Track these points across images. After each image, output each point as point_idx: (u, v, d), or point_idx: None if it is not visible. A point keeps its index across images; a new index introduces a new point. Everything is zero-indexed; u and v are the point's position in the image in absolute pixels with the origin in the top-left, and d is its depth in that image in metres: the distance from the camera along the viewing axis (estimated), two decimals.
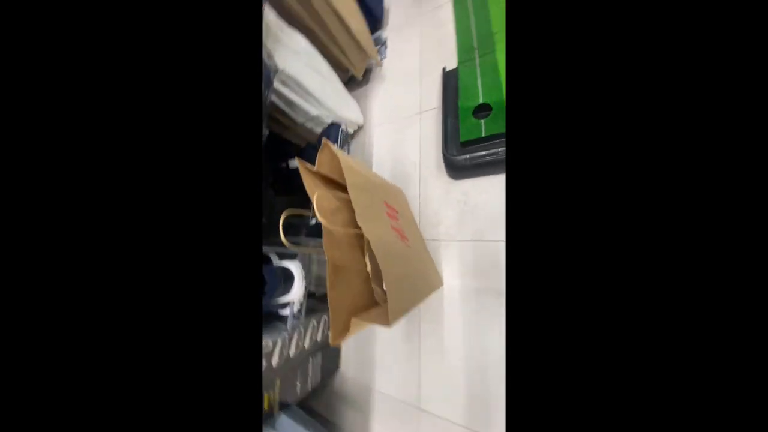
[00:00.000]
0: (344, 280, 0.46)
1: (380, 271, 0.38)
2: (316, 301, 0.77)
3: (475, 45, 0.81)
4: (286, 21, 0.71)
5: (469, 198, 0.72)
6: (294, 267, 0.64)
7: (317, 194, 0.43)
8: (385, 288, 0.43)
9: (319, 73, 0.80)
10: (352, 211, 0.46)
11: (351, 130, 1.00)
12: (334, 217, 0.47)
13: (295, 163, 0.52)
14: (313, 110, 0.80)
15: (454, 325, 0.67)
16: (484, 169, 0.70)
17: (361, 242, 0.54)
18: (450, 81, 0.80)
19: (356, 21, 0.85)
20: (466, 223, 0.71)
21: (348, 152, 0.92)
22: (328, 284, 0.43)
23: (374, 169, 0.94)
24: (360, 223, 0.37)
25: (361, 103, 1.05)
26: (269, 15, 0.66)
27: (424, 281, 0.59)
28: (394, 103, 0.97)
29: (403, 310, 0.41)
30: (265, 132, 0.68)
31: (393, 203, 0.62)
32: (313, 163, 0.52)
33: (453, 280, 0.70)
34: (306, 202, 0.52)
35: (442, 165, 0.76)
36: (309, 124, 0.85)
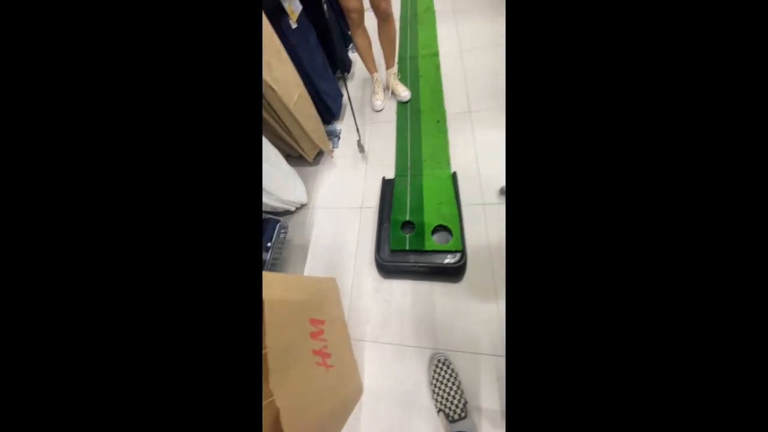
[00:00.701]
0: None
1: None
2: None
3: (409, 165, 1.03)
4: None
5: (393, 298, 0.81)
6: None
7: None
8: None
9: (266, 161, 0.83)
10: None
11: (293, 209, 1.01)
12: None
13: None
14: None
15: None
16: (408, 275, 0.82)
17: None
18: (387, 189, 0.96)
19: (312, 122, 0.95)
20: (390, 325, 0.78)
21: (282, 248, 0.91)
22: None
23: (311, 251, 0.95)
24: (272, 388, 0.37)
25: (309, 181, 1.10)
26: None
27: (343, 406, 0.59)
28: (339, 190, 1.06)
29: None
30: None
31: (319, 313, 0.64)
32: None
33: (373, 384, 0.72)
34: None
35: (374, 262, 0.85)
36: None
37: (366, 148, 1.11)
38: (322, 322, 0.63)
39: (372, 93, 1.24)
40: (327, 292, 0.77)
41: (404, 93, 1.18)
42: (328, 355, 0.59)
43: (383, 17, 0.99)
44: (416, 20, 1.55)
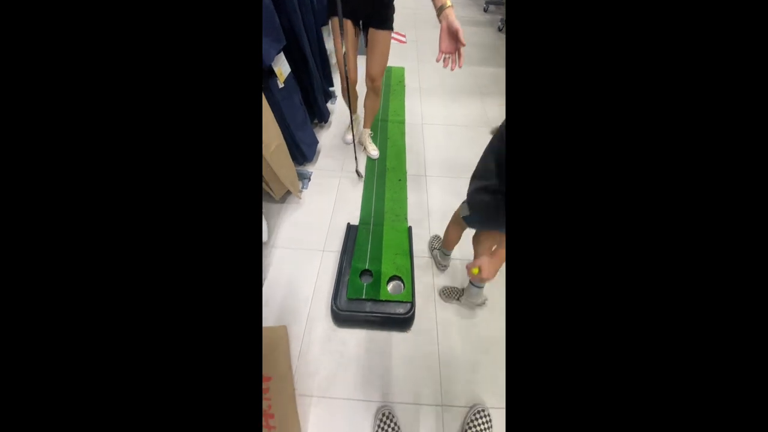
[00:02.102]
0: None
1: None
2: None
3: (372, 215, 1.14)
4: None
5: (346, 348, 0.82)
6: None
7: None
8: None
9: None
10: None
11: None
12: None
13: None
14: None
15: None
16: (361, 324, 0.85)
17: None
18: (351, 235, 1.03)
19: (285, 170, 1.01)
20: (339, 377, 0.77)
21: None
22: None
23: (264, 294, 0.92)
24: None
25: (273, 218, 1.10)
26: None
27: None
28: (303, 231, 1.08)
29: None
30: None
31: (265, 368, 0.62)
32: None
33: None
34: None
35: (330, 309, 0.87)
36: None
37: (335, 193, 1.20)
38: (268, 379, 0.61)
39: (346, 130, 1.46)
40: (276, 344, 0.75)
41: (374, 152, 1.37)
42: (271, 416, 0.56)
43: (374, 92, 1.18)
44: (390, 90, 1.85)
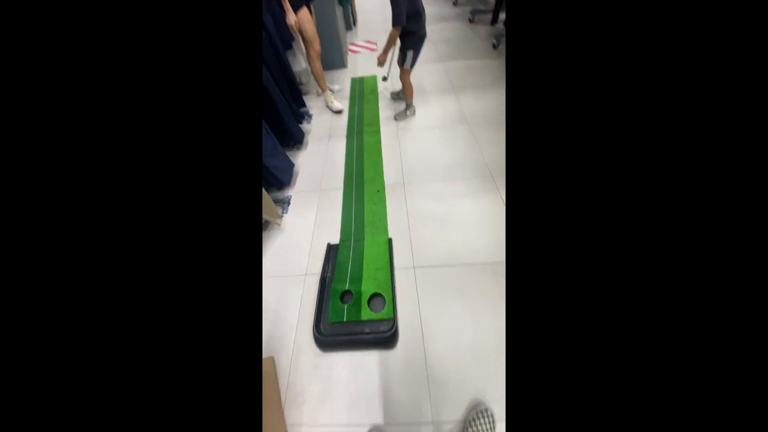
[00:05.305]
0: None
1: None
2: None
3: (353, 231, 1.14)
4: None
5: (333, 373, 0.82)
6: None
7: None
8: None
9: None
10: None
11: None
12: None
13: None
14: None
15: None
16: (346, 346, 0.85)
17: None
18: (332, 255, 1.04)
19: (265, 201, 1.03)
20: (328, 404, 0.77)
21: None
22: None
23: None
24: None
25: None
26: None
27: None
28: (285, 257, 1.09)
29: None
30: None
31: None
32: None
33: None
34: None
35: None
36: None
37: (314, 214, 1.21)
38: None
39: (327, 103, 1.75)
40: (265, 377, 0.75)
41: (338, 104, 1.71)
42: None
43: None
44: (363, 99, 1.86)
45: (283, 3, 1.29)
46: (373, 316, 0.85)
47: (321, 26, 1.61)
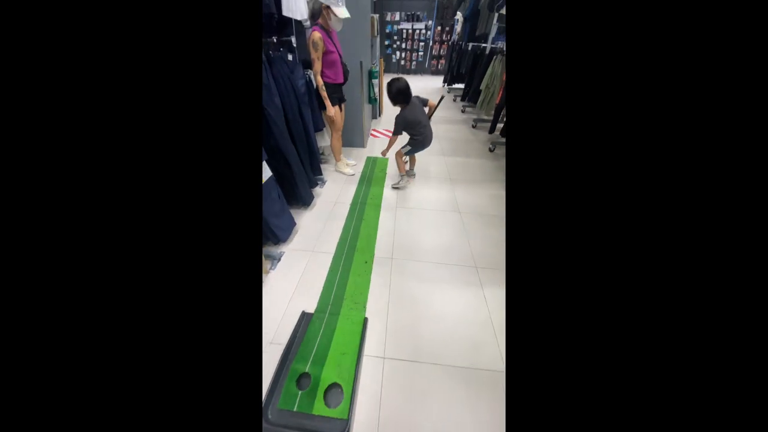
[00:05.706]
0: None
1: None
2: None
3: (331, 301, 1.13)
4: None
5: None
6: None
7: None
8: None
9: None
10: None
11: None
12: None
13: None
14: None
15: None
16: None
17: None
18: (302, 324, 1.01)
19: None
20: None
21: None
22: None
23: None
24: None
25: None
26: None
27: None
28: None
29: None
30: None
31: None
32: None
33: None
34: None
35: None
36: None
37: (300, 273, 1.23)
38: None
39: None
40: None
41: (350, 170, 2.09)
42: None
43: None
44: (373, 178, 2.13)
45: (324, 99, 1.68)
46: (326, 412, 0.76)
47: (350, 112, 2.17)
